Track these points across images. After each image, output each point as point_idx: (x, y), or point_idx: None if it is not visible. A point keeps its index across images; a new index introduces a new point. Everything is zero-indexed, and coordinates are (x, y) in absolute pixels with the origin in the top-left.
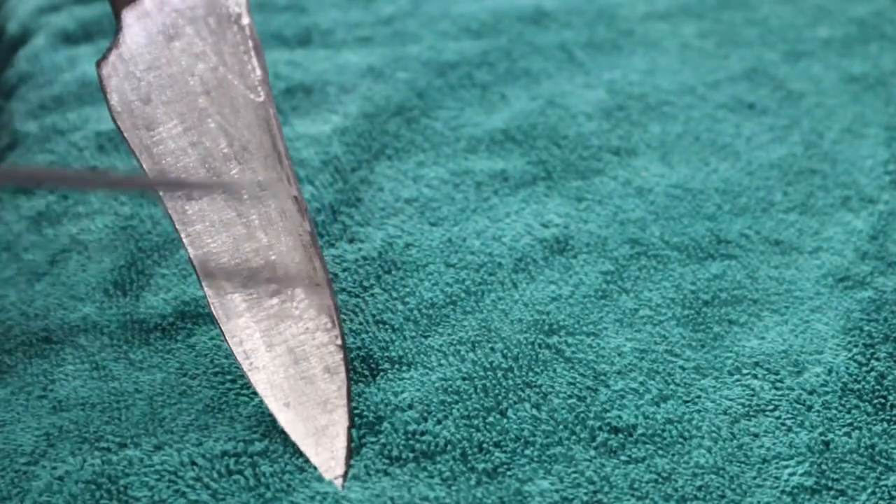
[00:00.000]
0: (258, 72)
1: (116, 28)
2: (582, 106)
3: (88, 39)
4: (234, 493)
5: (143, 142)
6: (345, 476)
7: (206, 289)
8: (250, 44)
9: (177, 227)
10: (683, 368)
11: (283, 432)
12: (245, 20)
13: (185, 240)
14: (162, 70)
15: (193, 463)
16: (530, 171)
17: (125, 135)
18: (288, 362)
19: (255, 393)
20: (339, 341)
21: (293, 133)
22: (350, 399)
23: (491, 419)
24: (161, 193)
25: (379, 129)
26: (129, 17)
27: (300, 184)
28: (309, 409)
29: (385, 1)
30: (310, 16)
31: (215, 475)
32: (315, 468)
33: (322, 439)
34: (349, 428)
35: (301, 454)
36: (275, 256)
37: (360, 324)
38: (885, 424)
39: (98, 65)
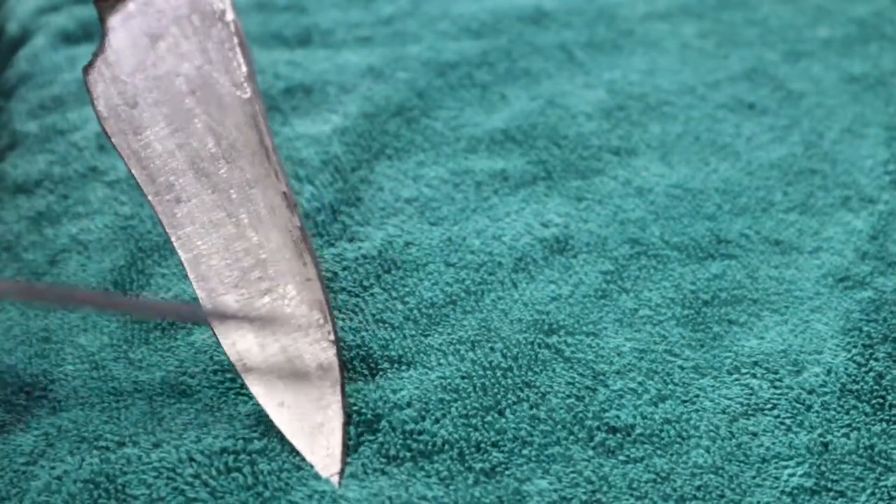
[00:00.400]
0: (244, 68)
1: (102, 34)
2: (582, 106)
3: (88, 39)
4: (233, 490)
5: (130, 146)
6: (341, 473)
7: (198, 291)
8: (235, 40)
9: (167, 230)
10: (682, 368)
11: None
12: (229, 16)
13: (175, 243)
14: (147, 72)
15: (192, 460)
16: (530, 171)
17: (113, 140)
18: (281, 361)
19: None
20: (331, 336)
21: (293, 133)
22: (345, 395)
23: (489, 418)
24: (149, 197)
25: (379, 129)
26: (113, 21)
27: (300, 184)
28: (304, 406)
29: (385, 1)
30: (310, 16)
31: (214, 473)
32: (312, 466)
33: (318, 437)
34: (345, 424)
35: (299, 452)
36: (265, 255)
37: (360, 322)
38: (884, 425)
39: (84, 71)
